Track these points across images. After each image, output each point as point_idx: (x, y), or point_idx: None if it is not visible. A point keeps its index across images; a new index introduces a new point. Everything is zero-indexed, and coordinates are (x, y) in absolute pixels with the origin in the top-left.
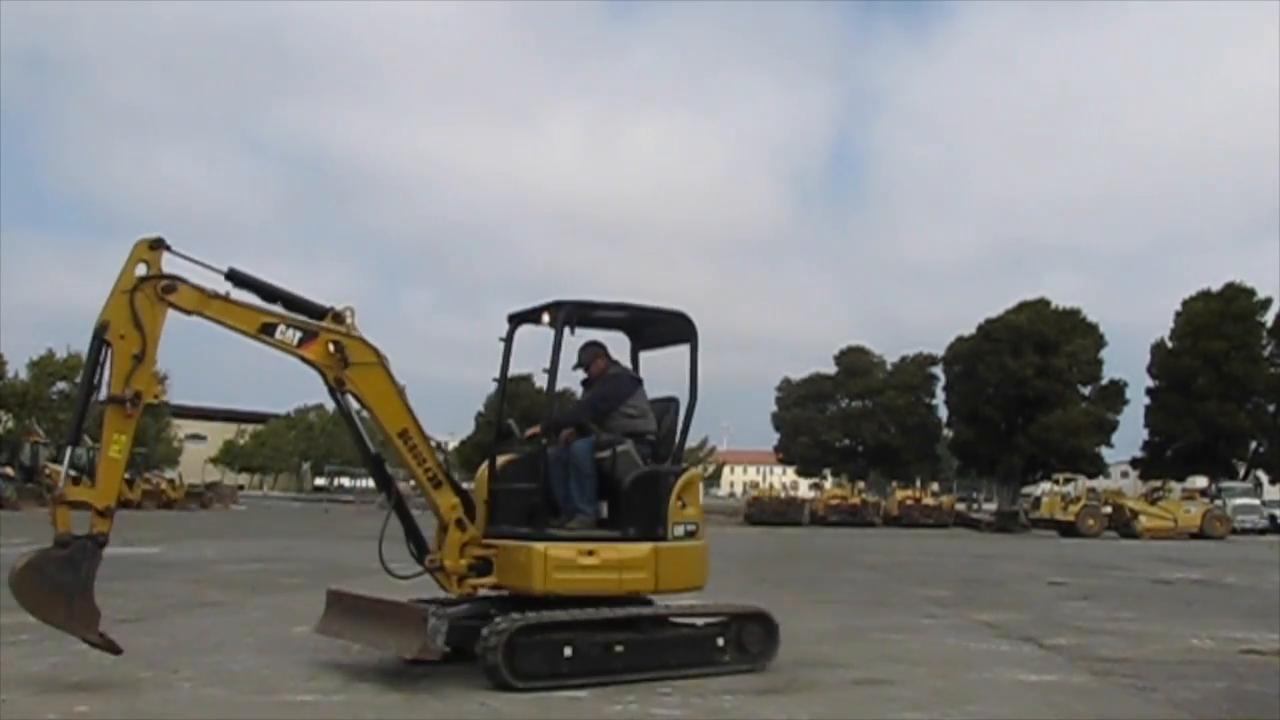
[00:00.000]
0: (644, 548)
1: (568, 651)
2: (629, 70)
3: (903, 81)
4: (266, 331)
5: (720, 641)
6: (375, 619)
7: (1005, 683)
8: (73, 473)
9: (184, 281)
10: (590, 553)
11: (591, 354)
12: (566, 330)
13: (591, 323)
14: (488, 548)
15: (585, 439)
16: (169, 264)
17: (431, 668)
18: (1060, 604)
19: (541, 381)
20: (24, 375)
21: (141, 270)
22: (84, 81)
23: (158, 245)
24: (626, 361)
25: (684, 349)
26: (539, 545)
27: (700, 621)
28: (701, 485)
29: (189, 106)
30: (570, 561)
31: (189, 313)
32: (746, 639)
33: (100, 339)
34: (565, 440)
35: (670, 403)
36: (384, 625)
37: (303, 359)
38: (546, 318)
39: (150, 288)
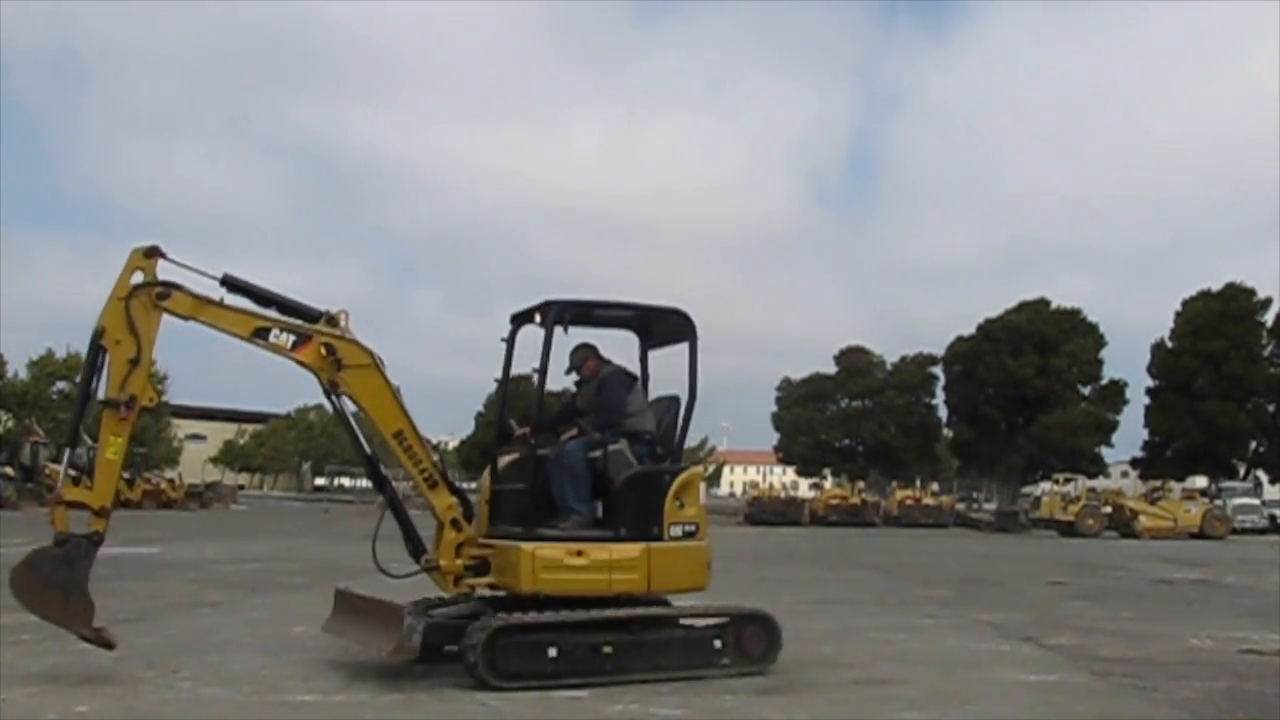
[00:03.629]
0: (635, 548)
1: (552, 652)
2: (649, 71)
3: (922, 82)
4: (260, 335)
5: (718, 644)
6: (363, 617)
7: (1005, 683)
8: (72, 473)
9: (179, 288)
10: (579, 553)
11: (583, 355)
12: (559, 330)
13: (590, 322)
14: (485, 548)
15: (579, 439)
16: (165, 271)
17: (431, 667)
18: (1060, 604)
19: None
20: (24, 375)
21: (138, 278)
22: (97, 81)
23: (153, 253)
24: (634, 361)
25: (682, 348)
26: (527, 545)
27: (699, 623)
28: (702, 485)
29: (202, 106)
30: (557, 562)
31: (184, 318)
32: (746, 641)
33: (97, 344)
34: (562, 440)
35: (671, 401)
36: (368, 623)
37: (297, 362)
38: (538, 317)
39: (145, 294)
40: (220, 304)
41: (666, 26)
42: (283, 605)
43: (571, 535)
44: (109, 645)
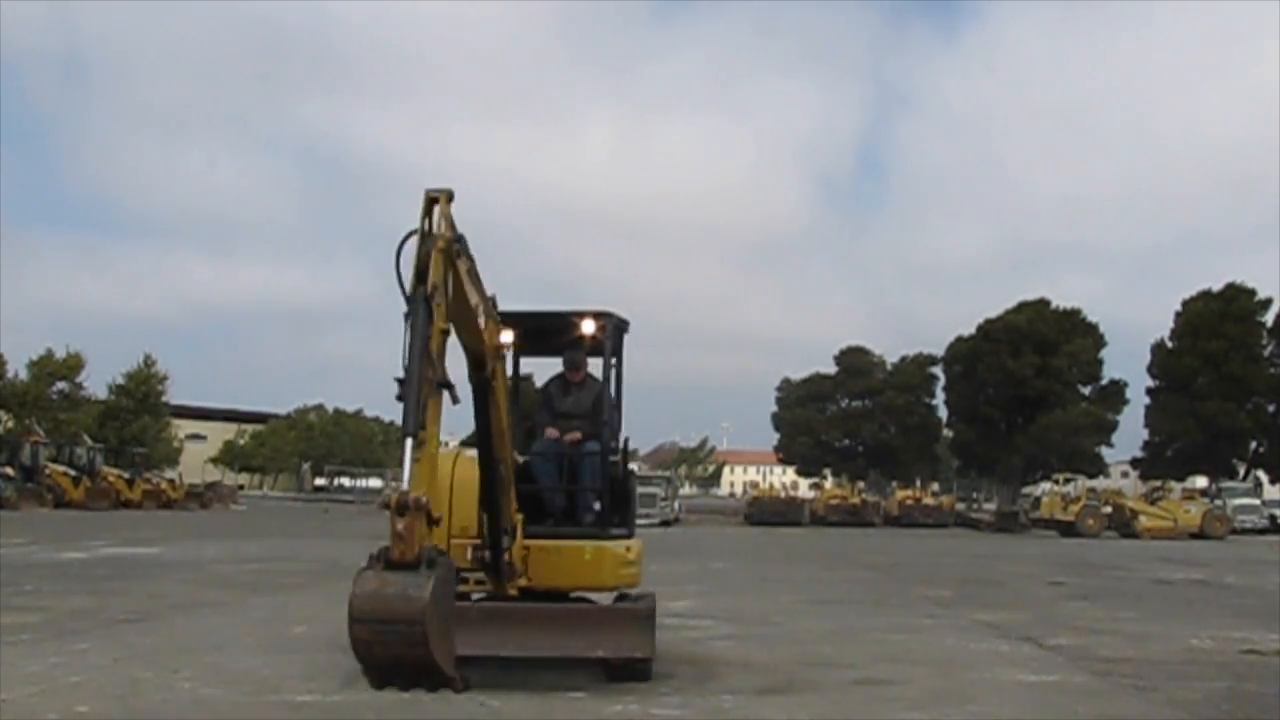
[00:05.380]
0: (638, 543)
1: None
2: (659, 73)
3: (931, 83)
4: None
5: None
6: (561, 622)
7: (1005, 683)
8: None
9: (467, 249)
10: (628, 549)
11: (581, 360)
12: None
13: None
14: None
15: (595, 441)
16: None
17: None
18: (1060, 604)
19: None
20: (24, 375)
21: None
22: (102, 80)
23: (451, 198)
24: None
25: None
26: (608, 544)
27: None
28: None
29: (208, 105)
30: (624, 558)
31: (456, 284)
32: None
33: (428, 304)
34: (572, 443)
35: None
36: (577, 628)
37: (480, 344)
38: (593, 326)
39: (451, 250)
40: (473, 274)
41: (676, 28)
42: (283, 605)
43: (619, 534)
44: (466, 687)
